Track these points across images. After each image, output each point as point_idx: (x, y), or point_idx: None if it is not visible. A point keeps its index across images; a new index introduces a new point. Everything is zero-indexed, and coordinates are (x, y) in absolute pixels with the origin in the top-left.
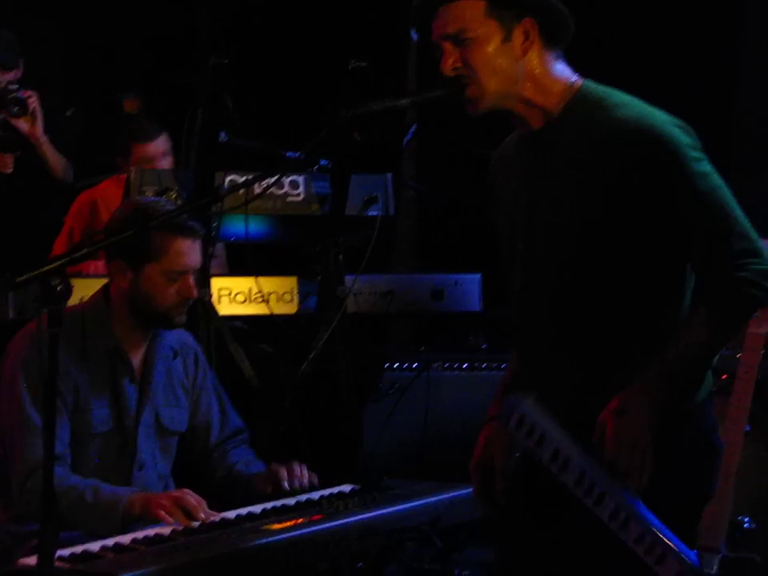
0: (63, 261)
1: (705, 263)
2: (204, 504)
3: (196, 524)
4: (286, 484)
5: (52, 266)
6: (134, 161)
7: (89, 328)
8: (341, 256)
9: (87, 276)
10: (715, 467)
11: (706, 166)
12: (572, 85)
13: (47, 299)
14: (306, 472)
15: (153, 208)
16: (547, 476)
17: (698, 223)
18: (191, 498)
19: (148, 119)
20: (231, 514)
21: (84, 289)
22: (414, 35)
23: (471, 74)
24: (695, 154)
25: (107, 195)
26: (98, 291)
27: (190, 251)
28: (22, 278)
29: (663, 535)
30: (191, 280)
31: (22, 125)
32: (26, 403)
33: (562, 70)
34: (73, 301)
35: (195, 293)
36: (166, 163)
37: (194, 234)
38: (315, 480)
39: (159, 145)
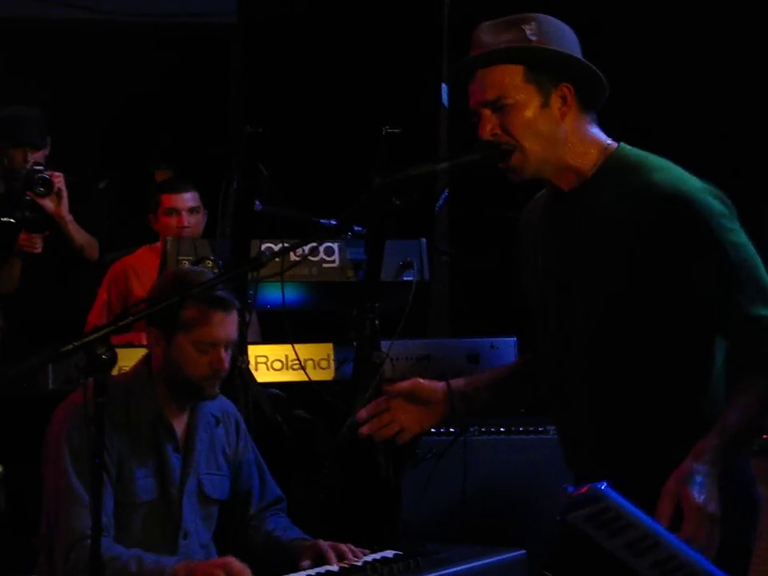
0: (108, 330)
1: (739, 333)
2: (248, 571)
3: None
4: (334, 565)
5: (97, 335)
6: (162, 212)
7: (132, 396)
8: (376, 321)
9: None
10: (754, 519)
11: (739, 237)
12: (606, 147)
13: (93, 368)
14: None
15: (191, 277)
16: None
17: (729, 294)
18: (236, 564)
19: (182, 178)
20: None
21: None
22: (446, 101)
23: (510, 140)
24: (729, 224)
25: (140, 263)
26: (141, 359)
27: (222, 323)
28: (66, 347)
29: None
30: (223, 353)
31: (48, 204)
32: (70, 474)
33: (597, 134)
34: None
35: (226, 365)
36: (194, 221)
37: (227, 306)
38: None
39: (187, 199)
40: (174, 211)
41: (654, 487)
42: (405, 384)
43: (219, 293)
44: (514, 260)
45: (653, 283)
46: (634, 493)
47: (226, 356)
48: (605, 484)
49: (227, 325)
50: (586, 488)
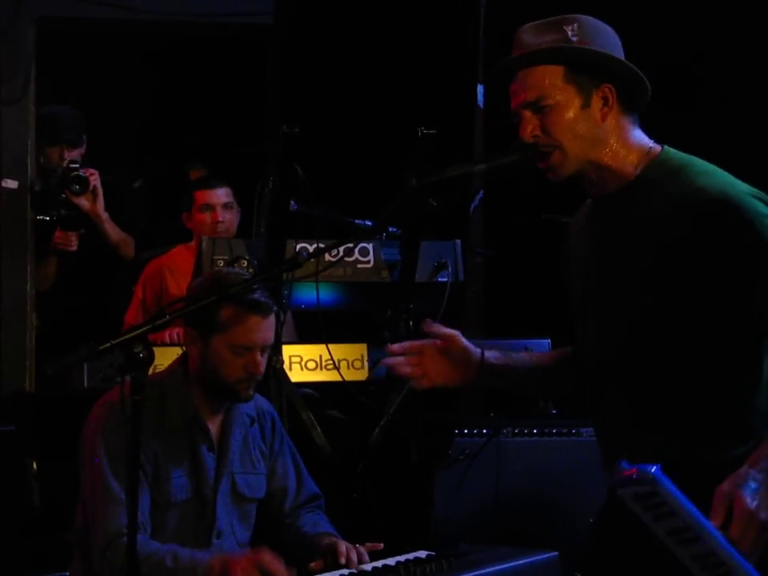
0: (145, 328)
1: None
2: (281, 563)
3: None
4: (342, 559)
5: (135, 333)
6: (197, 209)
7: (168, 396)
8: (411, 322)
9: (164, 345)
10: None
11: None
12: (650, 150)
13: (130, 366)
14: (360, 556)
15: (230, 279)
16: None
17: None
18: (268, 556)
19: (214, 176)
20: None
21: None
22: (481, 102)
23: (551, 142)
24: None
25: (175, 262)
26: (177, 359)
27: (258, 327)
28: (104, 345)
29: None
30: (258, 356)
31: (83, 203)
32: (106, 473)
33: (640, 136)
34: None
35: (261, 369)
36: (228, 216)
37: (264, 310)
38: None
39: (221, 194)
40: (209, 207)
41: (690, 491)
42: (447, 331)
43: (257, 296)
44: (560, 265)
45: (695, 285)
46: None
47: (261, 360)
48: (656, 467)
49: (264, 329)
50: (636, 468)
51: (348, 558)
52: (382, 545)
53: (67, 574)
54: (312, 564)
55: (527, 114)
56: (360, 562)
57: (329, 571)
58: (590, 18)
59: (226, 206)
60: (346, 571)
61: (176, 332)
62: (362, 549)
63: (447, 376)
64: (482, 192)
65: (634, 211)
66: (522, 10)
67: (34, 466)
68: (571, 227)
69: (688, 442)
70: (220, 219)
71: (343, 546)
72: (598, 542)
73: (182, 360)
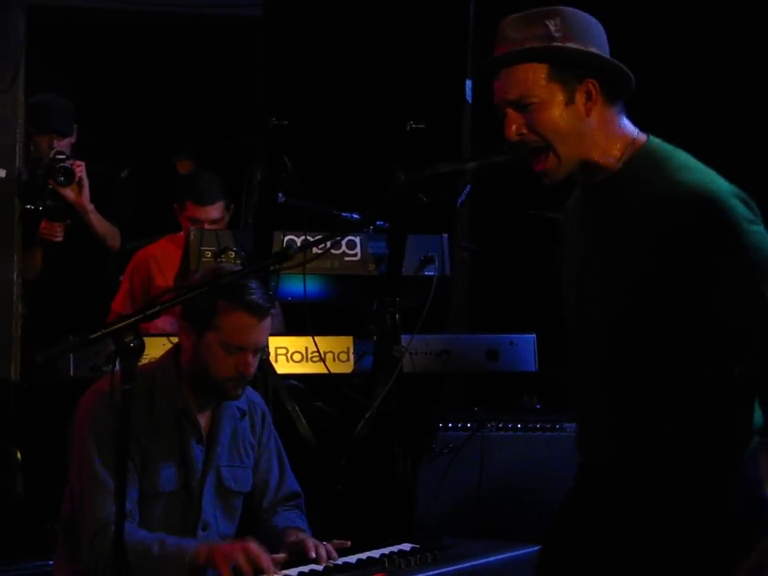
0: (137, 318)
1: (755, 345)
2: (267, 554)
3: None
4: (312, 554)
5: (126, 322)
6: (185, 216)
7: (158, 387)
8: (397, 316)
9: (151, 335)
10: (764, 520)
11: (762, 242)
12: (635, 140)
13: (121, 356)
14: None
15: (227, 275)
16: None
17: (745, 300)
18: (254, 547)
19: (211, 181)
20: (293, 572)
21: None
22: (470, 97)
23: (538, 139)
24: (753, 228)
25: (162, 253)
26: (168, 351)
27: (254, 329)
28: (95, 334)
29: None
30: (250, 357)
31: (69, 193)
32: (95, 462)
33: (624, 126)
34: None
35: (252, 370)
36: (215, 228)
37: (261, 312)
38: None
39: (211, 212)
40: (197, 221)
41: (662, 478)
42: None
43: (256, 297)
44: (557, 249)
45: (670, 279)
46: (644, 479)
47: (253, 361)
48: None
49: (259, 331)
50: None
51: (317, 554)
52: (349, 542)
53: (51, 562)
54: (276, 556)
55: (511, 112)
56: (329, 558)
57: (296, 566)
58: (574, 10)
59: (214, 221)
60: (330, 563)
61: (167, 320)
62: (329, 546)
63: None
64: (468, 187)
65: (615, 204)
66: (512, 4)
67: (18, 455)
68: (565, 214)
69: (661, 427)
70: None
71: (311, 542)
72: (562, 520)
73: (174, 352)
